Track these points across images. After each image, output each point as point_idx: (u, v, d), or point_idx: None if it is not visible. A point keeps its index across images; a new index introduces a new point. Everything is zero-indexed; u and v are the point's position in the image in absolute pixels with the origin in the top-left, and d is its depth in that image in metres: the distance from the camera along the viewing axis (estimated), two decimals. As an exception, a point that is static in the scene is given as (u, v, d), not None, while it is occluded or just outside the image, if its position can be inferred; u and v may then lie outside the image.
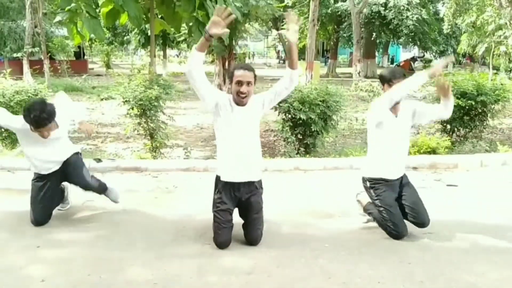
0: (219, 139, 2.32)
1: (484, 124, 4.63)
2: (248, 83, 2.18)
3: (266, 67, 24.57)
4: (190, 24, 4.63)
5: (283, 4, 13.53)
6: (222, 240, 2.27)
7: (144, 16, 5.07)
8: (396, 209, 2.41)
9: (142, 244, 2.37)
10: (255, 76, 2.24)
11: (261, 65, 25.55)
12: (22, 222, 2.63)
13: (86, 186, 2.66)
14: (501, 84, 4.51)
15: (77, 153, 2.71)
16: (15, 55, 13.86)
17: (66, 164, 2.62)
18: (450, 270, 2.12)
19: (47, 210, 2.63)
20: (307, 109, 4.26)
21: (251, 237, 2.33)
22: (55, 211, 2.75)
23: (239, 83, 2.17)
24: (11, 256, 2.22)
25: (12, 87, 4.49)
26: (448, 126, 4.74)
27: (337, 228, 2.61)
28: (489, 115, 4.57)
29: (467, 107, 4.42)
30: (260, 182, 2.37)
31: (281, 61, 25.96)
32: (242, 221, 2.42)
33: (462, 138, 4.72)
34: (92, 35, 4.82)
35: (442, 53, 18.76)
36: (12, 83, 4.60)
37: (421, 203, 2.45)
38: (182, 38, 11.89)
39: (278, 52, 28.59)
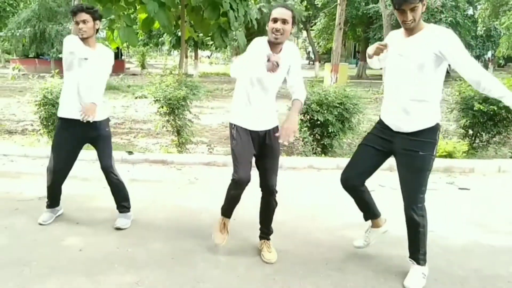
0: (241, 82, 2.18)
1: (509, 129, 4.51)
2: (284, 21, 2.00)
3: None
4: (213, 30, 4.99)
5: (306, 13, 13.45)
6: (241, 175, 2.12)
7: (176, 22, 5.50)
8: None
9: (164, 226, 2.69)
10: (294, 17, 2.06)
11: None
12: (64, 202, 3.03)
13: (107, 168, 2.62)
14: None
15: (108, 129, 2.67)
16: (60, 55, 15.09)
17: (97, 137, 2.59)
18: (444, 266, 2.23)
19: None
20: (324, 111, 4.41)
21: (269, 182, 2.24)
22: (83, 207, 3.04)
23: (275, 20, 2.02)
24: (54, 229, 2.61)
25: (59, 86, 5.03)
26: (470, 131, 4.68)
27: (340, 220, 2.80)
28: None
29: (490, 112, 4.35)
30: (276, 127, 2.22)
31: (311, 62, 25.85)
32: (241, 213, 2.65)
33: (484, 143, 4.64)
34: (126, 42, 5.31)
35: (478, 58, 17.82)
36: (59, 82, 5.14)
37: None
38: (210, 41, 12.34)
39: (308, 53, 28.50)
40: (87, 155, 4.23)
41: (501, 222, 2.80)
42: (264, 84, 2.15)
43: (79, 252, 2.33)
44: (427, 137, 1.96)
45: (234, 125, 2.19)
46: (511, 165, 4.00)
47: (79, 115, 2.41)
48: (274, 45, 2.08)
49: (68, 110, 2.55)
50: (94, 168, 3.96)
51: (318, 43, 21.28)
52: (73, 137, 2.58)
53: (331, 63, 9.34)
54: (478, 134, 4.65)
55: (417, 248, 2.06)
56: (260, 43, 2.10)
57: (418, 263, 2.06)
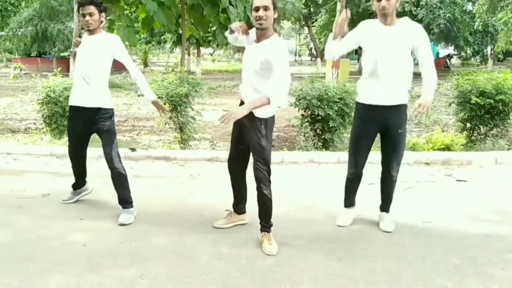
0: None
1: (505, 122, 4.53)
2: (265, 7, 2.12)
3: (297, 64, 24.57)
4: (214, 27, 5.01)
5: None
6: None
7: (176, 20, 5.52)
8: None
9: (167, 221, 2.73)
10: (274, 3, 2.17)
11: (293, 62, 25.60)
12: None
13: (107, 159, 2.71)
14: None
15: (110, 122, 2.72)
16: (62, 54, 15.15)
17: (99, 127, 2.67)
18: (440, 253, 2.28)
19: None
20: (325, 106, 4.44)
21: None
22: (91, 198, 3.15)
23: (256, 8, 2.14)
24: (58, 226, 2.65)
25: (61, 84, 5.09)
26: (468, 124, 4.70)
27: (337, 212, 2.82)
28: (510, 114, 4.47)
29: (487, 106, 4.36)
30: None
31: (313, 59, 25.79)
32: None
33: (482, 136, 4.66)
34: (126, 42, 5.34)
35: (477, 53, 17.70)
36: (61, 81, 5.19)
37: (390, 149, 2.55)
38: (211, 38, 12.34)
39: (310, 50, 28.44)
40: (90, 152, 4.29)
41: (495, 212, 2.84)
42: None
43: (83, 247, 2.38)
44: (404, 113, 2.44)
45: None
46: (507, 157, 4.03)
47: (83, 102, 2.63)
48: (260, 32, 2.22)
49: (73, 97, 2.76)
50: (97, 164, 4.02)
51: (320, 40, 21.21)
52: (78, 123, 2.75)
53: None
54: (476, 127, 4.67)
55: (390, 199, 2.61)
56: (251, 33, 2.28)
57: (388, 212, 2.61)
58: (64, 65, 13.54)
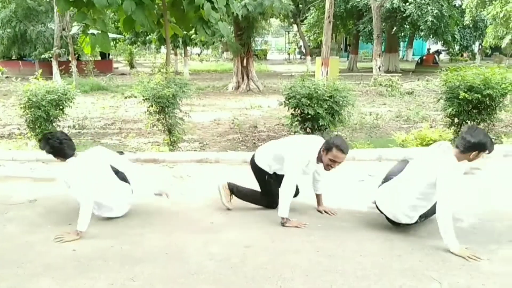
0: None
1: (492, 117, 4.64)
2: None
3: (286, 62, 24.63)
4: (195, 23, 4.97)
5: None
6: None
7: (158, 20, 5.46)
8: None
9: (157, 223, 2.71)
10: None
11: (282, 61, 25.65)
12: (55, 204, 3.05)
13: None
14: (504, 78, 4.50)
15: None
16: (43, 56, 14.73)
17: None
18: (428, 247, 2.33)
19: None
20: (315, 104, 4.46)
21: None
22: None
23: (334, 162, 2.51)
24: (46, 231, 2.61)
25: (44, 87, 4.97)
26: (456, 120, 4.79)
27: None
28: (497, 108, 4.57)
29: (474, 101, 4.45)
30: None
31: (302, 57, 25.90)
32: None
33: (470, 131, 4.74)
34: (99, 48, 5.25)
35: (465, 48, 18.07)
36: (44, 84, 5.08)
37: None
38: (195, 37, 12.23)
39: (299, 48, 28.52)
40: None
41: (479, 205, 2.90)
42: None
43: (73, 251, 2.34)
44: None
45: None
46: (493, 151, 4.10)
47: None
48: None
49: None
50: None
51: (309, 37, 21.31)
52: None
53: (321, 57, 9.39)
54: (464, 122, 4.76)
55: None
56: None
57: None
58: (47, 68, 13.25)
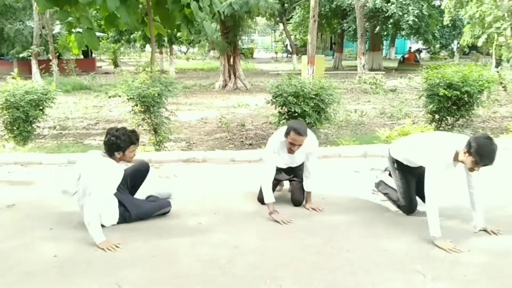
0: None
1: (470, 113, 4.80)
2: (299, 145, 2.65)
3: (273, 61, 24.67)
4: (179, 21, 4.89)
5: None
6: None
7: (142, 18, 5.34)
8: (410, 192, 2.64)
9: (143, 225, 2.65)
10: None
11: (268, 60, 25.67)
12: (36, 208, 2.95)
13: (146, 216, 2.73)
14: (481, 75, 4.67)
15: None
16: (22, 55, 14.21)
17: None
18: (413, 241, 2.38)
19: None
20: (301, 103, 4.48)
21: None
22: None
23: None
24: (26, 237, 2.51)
25: (22, 88, 4.80)
26: (437, 116, 4.92)
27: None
28: (475, 104, 4.73)
29: (454, 97, 4.59)
30: None
31: (288, 55, 25.99)
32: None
33: (450, 127, 4.90)
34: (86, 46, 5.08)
35: (444, 47, 18.61)
36: (22, 84, 4.90)
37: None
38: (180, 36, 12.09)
39: (286, 46, 28.62)
40: (57, 159, 4.10)
41: (459, 198, 2.95)
42: None
43: (54, 257, 2.26)
44: None
45: None
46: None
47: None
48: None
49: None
50: (64, 172, 3.85)
51: (295, 36, 21.41)
52: None
53: (307, 56, 9.46)
54: (444, 118, 4.91)
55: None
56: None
57: None
58: (26, 67, 12.80)
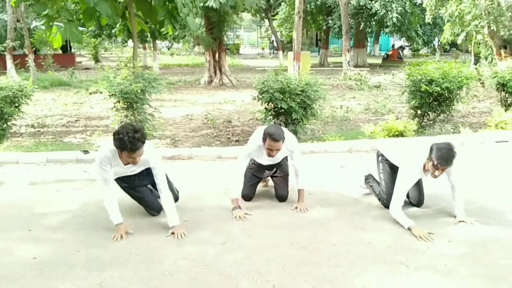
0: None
1: (450, 108, 4.93)
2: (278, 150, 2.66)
3: (259, 57, 24.60)
4: (162, 16, 4.78)
5: None
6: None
7: (123, 13, 5.19)
8: (392, 186, 2.65)
9: (128, 224, 2.59)
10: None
11: (254, 56, 25.58)
12: (13, 210, 2.84)
13: (157, 211, 2.70)
14: (460, 72, 4.81)
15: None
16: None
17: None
18: (396, 233, 2.43)
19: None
20: (287, 99, 4.48)
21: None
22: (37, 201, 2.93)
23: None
24: (2, 239, 2.41)
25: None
26: (419, 111, 5.04)
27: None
28: (454, 100, 4.87)
29: (435, 93, 4.70)
30: None
31: (275, 52, 25.97)
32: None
33: (431, 122, 5.03)
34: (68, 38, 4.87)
35: (427, 44, 19.06)
36: (-1, 79, 4.68)
37: (421, 187, 2.76)
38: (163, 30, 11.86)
39: (271, 43, 28.57)
40: (35, 158, 3.95)
41: (443, 189, 3.04)
42: None
43: (33, 259, 2.18)
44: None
45: None
46: (452, 140, 4.32)
47: None
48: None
49: None
50: (42, 171, 3.71)
51: (281, 32, 21.40)
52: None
53: (293, 52, 9.47)
54: (426, 114, 5.03)
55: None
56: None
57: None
58: (0, 62, 12.22)
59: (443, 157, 2.31)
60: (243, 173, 2.81)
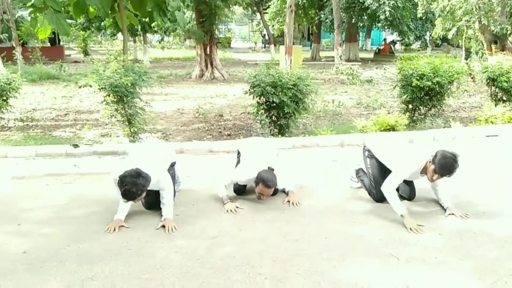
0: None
1: (441, 103, 4.99)
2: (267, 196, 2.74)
3: (251, 51, 24.45)
4: (151, 9, 4.70)
5: None
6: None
7: (112, 5, 5.08)
8: (381, 180, 2.68)
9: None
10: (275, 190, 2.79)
11: (246, 49, 25.42)
12: (1, 204, 2.79)
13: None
14: (451, 66, 4.86)
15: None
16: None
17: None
18: (387, 226, 2.46)
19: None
20: (279, 93, 4.47)
21: None
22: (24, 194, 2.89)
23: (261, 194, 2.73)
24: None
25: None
26: (410, 106, 5.09)
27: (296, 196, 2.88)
28: (445, 95, 4.92)
29: (426, 88, 4.75)
30: None
31: (266, 45, 25.83)
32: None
33: (422, 116, 5.09)
34: (56, 30, 4.75)
35: (418, 38, 19.18)
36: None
37: (413, 183, 2.78)
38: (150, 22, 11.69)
39: (264, 36, 28.39)
40: (24, 152, 3.88)
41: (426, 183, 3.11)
42: None
43: (23, 254, 2.16)
44: None
45: None
46: (443, 134, 4.46)
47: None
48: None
49: None
50: (31, 165, 3.65)
51: (273, 26, 21.27)
52: None
53: (285, 46, 9.43)
54: (417, 108, 5.08)
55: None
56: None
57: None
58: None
59: (447, 167, 2.37)
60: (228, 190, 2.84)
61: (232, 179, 2.81)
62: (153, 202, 2.63)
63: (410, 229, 2.37)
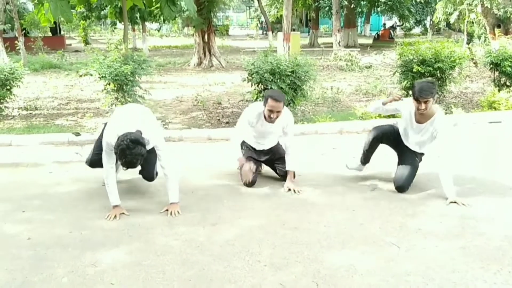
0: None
1: (443, 89, 4.94)
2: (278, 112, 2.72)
3: (249, 38, 24.13)
4: (160, 0, 4.63)
5: None
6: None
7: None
8: (375, 144, 2.86)
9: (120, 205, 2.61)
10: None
11: (244, 37, 25.08)
12: (6, 192, 2.84)
13: (150, 179, 2.80)
14: (452, 51, 4.78)
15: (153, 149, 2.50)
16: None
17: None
18: (387, 214, 2.48)
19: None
20: (277, 80, 4.45)
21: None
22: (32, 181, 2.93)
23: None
24: (-3, 221, 2.43)
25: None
26: (410, 92, 5.04)
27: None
28: (447, 80, 4.87)
29: (427, 74, 4.70)
30: None
31: (264, 32, 25.46)
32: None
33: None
34: (60, 17, 4.68)
35: (419, 22, 18.83)
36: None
37: (409, 171, 2.76)
38: (157, 11, 11.53)
39: (261, 23, 27.95)
40: (28, 140, 3.91)
41: (430, 174, 3.12)
42: None
43: (28, 240, 2.21)
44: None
45: None
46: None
47: None
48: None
49: None
50: (35, 153, 3.69)
51: (270, 12, 20.91)
52: None
53: (282, 32, 9.30)
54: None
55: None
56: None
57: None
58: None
59: (423, 88, 2.49)
60: (243, 135, 2.93)
61: (245, 118, 2.84)
62: (148, 163, 2.59)
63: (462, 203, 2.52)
